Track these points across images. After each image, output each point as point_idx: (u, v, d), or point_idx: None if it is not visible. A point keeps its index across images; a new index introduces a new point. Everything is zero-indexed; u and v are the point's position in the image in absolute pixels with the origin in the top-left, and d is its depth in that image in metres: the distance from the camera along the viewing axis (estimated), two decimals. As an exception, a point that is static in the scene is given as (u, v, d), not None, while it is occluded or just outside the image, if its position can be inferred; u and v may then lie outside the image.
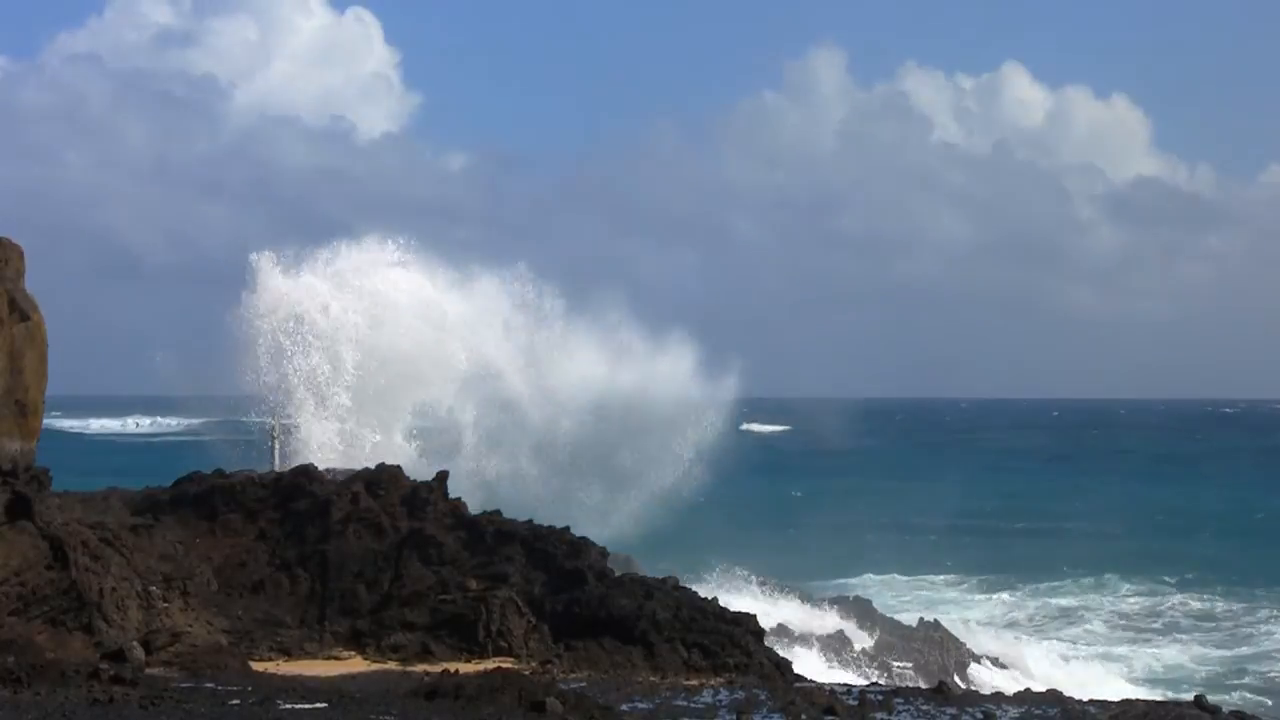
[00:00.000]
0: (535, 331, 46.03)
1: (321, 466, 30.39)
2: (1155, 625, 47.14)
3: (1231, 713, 19.99)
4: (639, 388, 48.59)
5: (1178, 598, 51.42)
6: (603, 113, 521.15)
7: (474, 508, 28.69)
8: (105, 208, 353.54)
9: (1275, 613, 48.66)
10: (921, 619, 42.00)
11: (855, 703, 19.17)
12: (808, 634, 37.54)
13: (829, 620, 39.82)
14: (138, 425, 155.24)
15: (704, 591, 28.94)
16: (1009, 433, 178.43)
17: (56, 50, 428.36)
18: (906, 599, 50.83)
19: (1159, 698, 24.53)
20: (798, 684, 22.83)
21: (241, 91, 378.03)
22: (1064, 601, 51.82)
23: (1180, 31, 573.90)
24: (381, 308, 41.96)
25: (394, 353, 41.53)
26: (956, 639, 40.47)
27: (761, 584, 42.73)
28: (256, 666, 22.12)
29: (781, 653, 27.28)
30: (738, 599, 36.43)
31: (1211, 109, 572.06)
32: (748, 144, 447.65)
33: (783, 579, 44.60)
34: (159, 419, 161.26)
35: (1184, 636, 45.28)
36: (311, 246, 43.02)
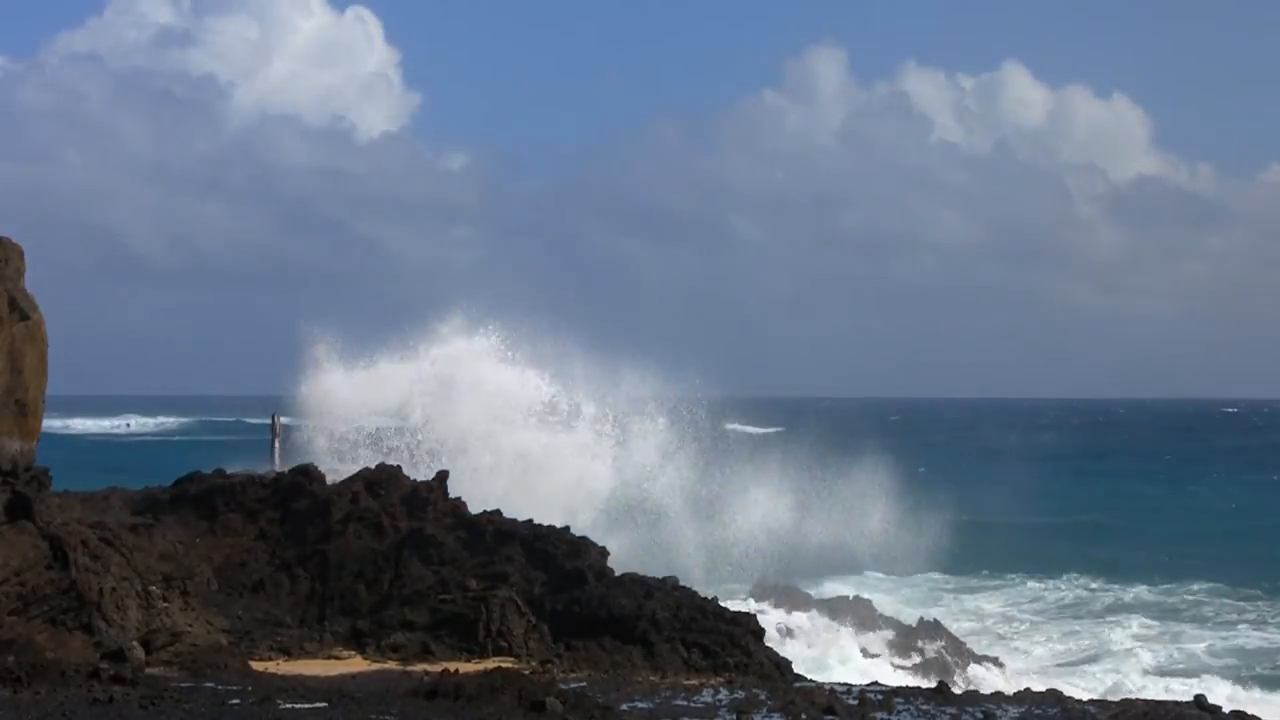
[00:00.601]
0: (708, 467, 37.28)
1: None
2: (1156, 624, 47.02)
3: (1232, 712, 19.96)
4: (834, 542, 39.77)
5: (1178, 596, 51.36)
6: (603, 113, 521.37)
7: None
8: (105, 208, 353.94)
9: (1277, 610, 48.66)
10: (921, 619, 41.92)
11: (855, 703, 19.18)
12: (807, 633, 37.51)
13: (829, 620, 39.76)
14: (129, 426, 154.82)
15: (703, 591, 28.87)
16: (1009, 432, 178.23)
17: (56, 50, 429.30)
18: (907, 599, 50.73)
19: (1159, 697, 24.53)
20: (798, 684, 22.84)
21: (241, 91, 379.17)
22: (1064, 600, 51.77)
23: (1180, 31, 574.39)
24: (480, 413, 34.57)
25: (498, 470, 33.69)
26: (956, 639, 40.41)
27: (761, 583, 42.58)
28: (256, 666, 22.14)
29: (781, 653, 27.26)
30: (737, 598, 36.36)
31: (1211, 109, 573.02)
32: (748, 143, 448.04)
33: (782, 578, 44.44)
34: (143, 418, 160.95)
35: (1184, 635, 45.17)
36: (383, 330, 35.98)
